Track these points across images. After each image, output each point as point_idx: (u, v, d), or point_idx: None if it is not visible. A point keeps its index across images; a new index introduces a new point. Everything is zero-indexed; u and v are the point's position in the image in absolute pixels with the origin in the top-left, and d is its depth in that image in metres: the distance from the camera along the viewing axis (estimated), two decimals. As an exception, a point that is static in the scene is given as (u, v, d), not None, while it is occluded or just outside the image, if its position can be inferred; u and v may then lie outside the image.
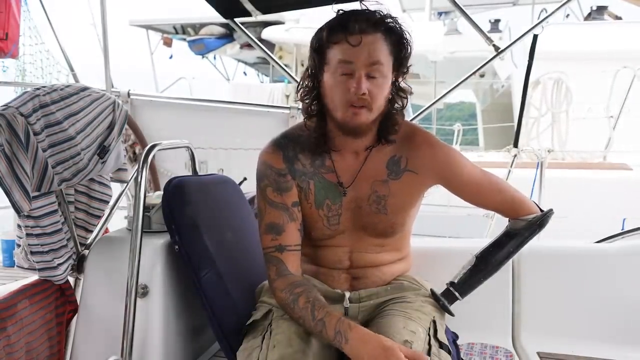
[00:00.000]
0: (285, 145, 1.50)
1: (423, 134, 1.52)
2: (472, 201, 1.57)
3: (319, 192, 1.49)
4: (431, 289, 1.58)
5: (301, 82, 1.46)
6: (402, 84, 1.45)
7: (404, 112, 1.49)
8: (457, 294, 1.53)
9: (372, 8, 1.37)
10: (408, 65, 1.43)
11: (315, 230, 1.51)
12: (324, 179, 1.49)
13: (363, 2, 1.39)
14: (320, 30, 1.38)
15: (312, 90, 1.44)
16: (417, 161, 1.48)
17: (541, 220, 1.56)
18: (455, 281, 1.55)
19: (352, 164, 1.49)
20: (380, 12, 1.36)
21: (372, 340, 1.24)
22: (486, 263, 1.57)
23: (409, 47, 1.39)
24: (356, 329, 1.27)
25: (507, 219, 1.61)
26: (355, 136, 1.43)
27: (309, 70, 1.44)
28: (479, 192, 1.55)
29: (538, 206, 1.60)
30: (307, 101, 1.45)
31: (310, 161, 1.49)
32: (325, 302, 1.37)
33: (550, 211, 1.57)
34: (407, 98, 1.46)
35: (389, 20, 1.36)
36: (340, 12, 1.37)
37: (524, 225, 1.56)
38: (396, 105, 1.44)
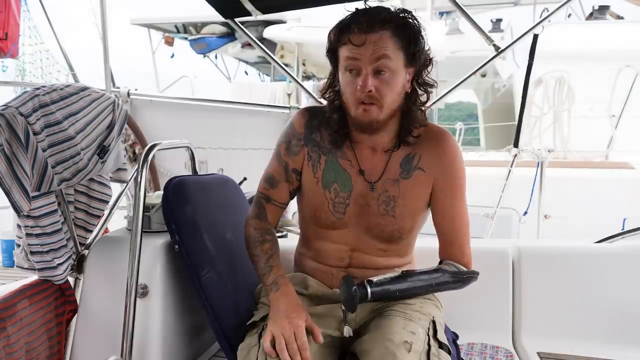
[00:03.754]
0: (315, 113, 1.57)
1: (442, 131, 1.53)
2: (437, 219, 1.54)
3: (328, 171, 1.52)
4: (344, 276, 1.39)
5: (327, 81, 1.53)
6: (427, 79, 1.47)
7: (424, 109, 1.49)
8: (369, 290, 1.33)
9: (378, 5, 1.40)
10: (428, 58, 1.45)
11: (321, 212, 1.52)
12: (337, 162, 1.52)
13: (367, 2, 1.42)
14: (330, 32, 1.43)
15: (333, 87, 1.50)
16: (427, 158, 1.50)
17: (468, 275, 1.51)
18: (374, 280, 1.36)
19: (370, 159, 1.51)
20: (387, 9, 1.38)
21: (288, 300, 1.39)
22: (407, 279, 1.42)
23: (421, 41, 1.40)
24: (284, 287, 1.41)
25: (441, 259, 1.57)
26: (370, 133, 1.46)
27: (331, 69, 1.50)
28: (452, 219, 1.53)
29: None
30: (328, 97, 1.51)
31: (330, 139, 1.53)
32: (279, 259, 1.51)
33: (477, 274, 1.53)
34: (429, 92, 1.49)
35: (395, 16, 1.37)
36: (348, 12, 1.41)
37: (453, 270, 1.49)
38: (418, 101, 1.47)
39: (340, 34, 1.39)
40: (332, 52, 1.45)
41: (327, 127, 1.53)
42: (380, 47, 1.34)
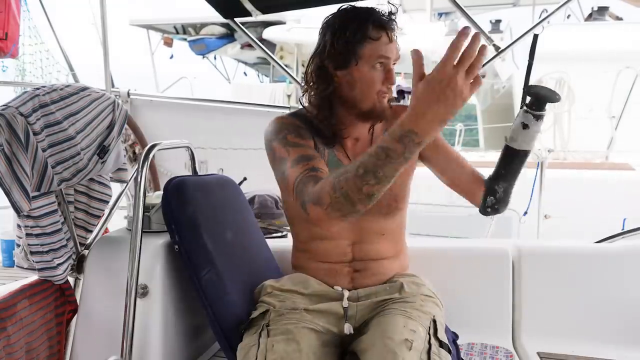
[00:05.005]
0: (302, 116, 1.57)
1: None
2: (450, 159, 1.59)
3: (330, 164, 1.53)
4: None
5: (309, 80, 1.51)
6: None
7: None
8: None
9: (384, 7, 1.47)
10: None
11: None
12: (335, 155, 1.55)
13: (390, 2, 1.46)
14: (357, 25, 1.42)
15: (327, 85, 1.48)
16: None
17: None
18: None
19: (355, 147, 1.57)
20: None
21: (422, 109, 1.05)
22: None
23: None
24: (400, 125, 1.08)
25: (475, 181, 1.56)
26: (376, 120, 1.51)
27: (321, 65, 1.48)
28: (450, 156, 1.60)
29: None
30: (322, 95, 1.50)
31: (322, 136, 1.54)
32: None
33: None
34: None
35: None
36: (351, 8, 1.46)
37: None
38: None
39: (375, 29, 1.42)
40: (351, 46, 1.42)
41: (316, 125, 1.54)
42: (396, 43, 1.46)
